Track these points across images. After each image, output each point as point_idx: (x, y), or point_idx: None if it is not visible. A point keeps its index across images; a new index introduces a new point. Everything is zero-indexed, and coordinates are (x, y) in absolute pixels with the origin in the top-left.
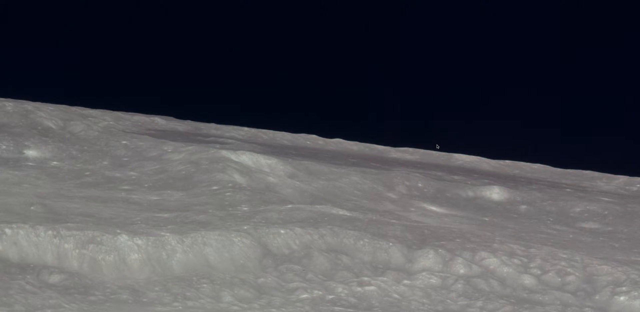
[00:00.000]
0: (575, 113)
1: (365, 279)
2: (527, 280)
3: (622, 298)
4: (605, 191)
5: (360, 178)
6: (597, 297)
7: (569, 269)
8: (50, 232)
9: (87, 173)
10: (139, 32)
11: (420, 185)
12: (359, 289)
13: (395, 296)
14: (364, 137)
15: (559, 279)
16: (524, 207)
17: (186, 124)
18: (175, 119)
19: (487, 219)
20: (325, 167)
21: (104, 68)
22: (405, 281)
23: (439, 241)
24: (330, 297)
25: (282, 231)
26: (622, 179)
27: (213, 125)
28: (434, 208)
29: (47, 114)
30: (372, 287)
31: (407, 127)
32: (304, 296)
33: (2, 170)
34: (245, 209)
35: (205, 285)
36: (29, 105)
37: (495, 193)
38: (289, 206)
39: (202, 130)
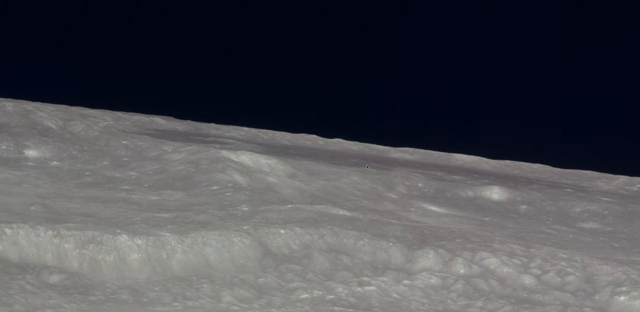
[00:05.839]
0: (575, 113)
1: (365, 279)
2: (527, 280)
3: (622, 298)
4: (605, 191)
5: (360, 178)
6: (597, 297)
7: (569, 269)
8: (50, 232)
9: (87, 173)
10: (139, 32)
11: (420, 185)
12: (359, 289)
13: (395, 296)
14: (364, 137)
15: (559, 279)
16: (524, 207)
17: (186, 124)
18: (175, 119)
19: (487, 219)
20: (325, 167)
21: (104, 68)
22: (405, 281)
23: (439, 241)
24: (330, 297)
25: (282, 231)
26: (622, 179)
27: (213, 125)
28: (434, 208)
29: (47, 114)
30: (372, 287)
31: (407, 127)
32: (304, 296)
33: (2, 170)
34: (245, 209)
35: (205, 285)
36: (29, 105)
37: (495, 193)
38: (289, 206)
39: (202, 130)
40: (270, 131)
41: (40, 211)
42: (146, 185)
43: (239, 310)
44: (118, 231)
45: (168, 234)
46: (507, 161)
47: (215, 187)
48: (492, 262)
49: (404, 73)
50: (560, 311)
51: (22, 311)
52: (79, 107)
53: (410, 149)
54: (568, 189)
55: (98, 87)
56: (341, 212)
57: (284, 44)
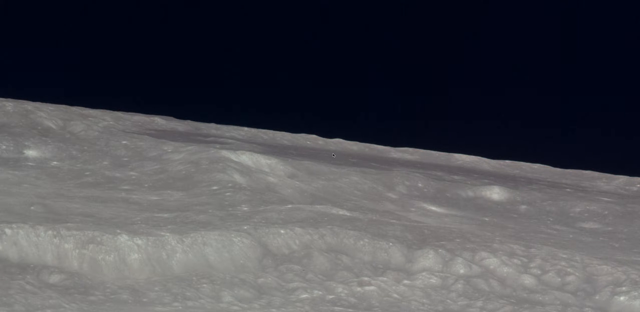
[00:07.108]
0: (575, 113)
1: (365, 279)
2: (527, 280)
3: (622, 298)
4: (605, 191)
5: (360, 178)
6: (597, 297)
7: (569, 269)
8: (50, 232)
9: (87, 173)
10: (139, 32)
11: (420, 185)
12: (359, 289)
13: (395, 296)
14: (364, 137)
15: (559, 279)
16: (524, 207)
17: (186, 124)
18: (175, 119)
19: (487, 219)
20: (325, 167)
21: (104, 68)
22: (405, 281)
23: (439, 241)
24: (330, 297)
25: (282, 231)
26: (622, 179)
27: (213, 125)
28: (434, 208)
29: (47, 114)
30: (372, 287)
31: (407, 127)
32: (304, 296)
33: (2, 170)
34: (245, 209)
35: (205, 285)
36: (29, 105)
37: (495, 193)
38: (289, 206)
39: (202, 130)
40: (270, 131)
41: (40, 211)
42: (146, 185)
43: (239, 310)
44: (118, 231)
45: (168, 234)
46: (507, 161)
47: (215, 187)
48: (492, 262)
49: (404, 73)
50: (560, 311)
51: (22, 311)
52: (79, 107)
53: (410, 149)
54: (568, 189)
55: (98, 87)
56: (341, 212)
57: (284, 44)
